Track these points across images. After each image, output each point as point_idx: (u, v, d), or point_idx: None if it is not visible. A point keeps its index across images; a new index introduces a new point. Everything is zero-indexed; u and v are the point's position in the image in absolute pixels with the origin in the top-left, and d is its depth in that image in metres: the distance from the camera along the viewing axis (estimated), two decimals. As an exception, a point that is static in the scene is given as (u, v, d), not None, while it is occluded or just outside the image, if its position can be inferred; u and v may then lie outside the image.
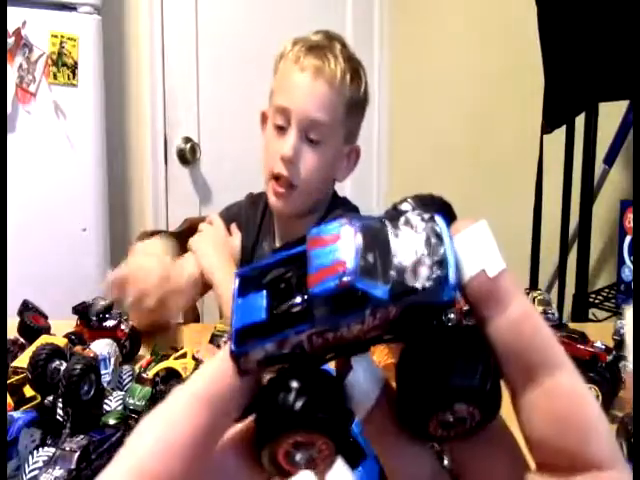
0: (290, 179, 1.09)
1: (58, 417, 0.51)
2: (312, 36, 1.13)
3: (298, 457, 0.21)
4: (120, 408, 0.56)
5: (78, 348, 0.72)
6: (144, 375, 0.58)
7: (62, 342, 0.74)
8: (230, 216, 1.25)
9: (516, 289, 0.20)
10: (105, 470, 0.19)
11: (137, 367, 0.62)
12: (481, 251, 0.20)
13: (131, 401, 0.54)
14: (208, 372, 0.21)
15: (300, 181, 1.09)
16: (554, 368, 0.20)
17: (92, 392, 0.55)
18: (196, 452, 0.20)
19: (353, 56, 1.14)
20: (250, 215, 1.26)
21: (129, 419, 0.54)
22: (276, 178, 1.10)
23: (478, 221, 0.21)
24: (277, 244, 1.22)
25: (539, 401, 0.20)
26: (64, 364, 0.54)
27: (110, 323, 0.89)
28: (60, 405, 0.51)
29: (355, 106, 1.13)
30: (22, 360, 0.72)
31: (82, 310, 0.88)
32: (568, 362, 0.20)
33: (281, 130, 1.09)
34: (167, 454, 0.19)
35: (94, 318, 0.88)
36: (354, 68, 1.12)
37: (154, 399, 0.53)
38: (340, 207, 1.21)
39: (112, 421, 0.55)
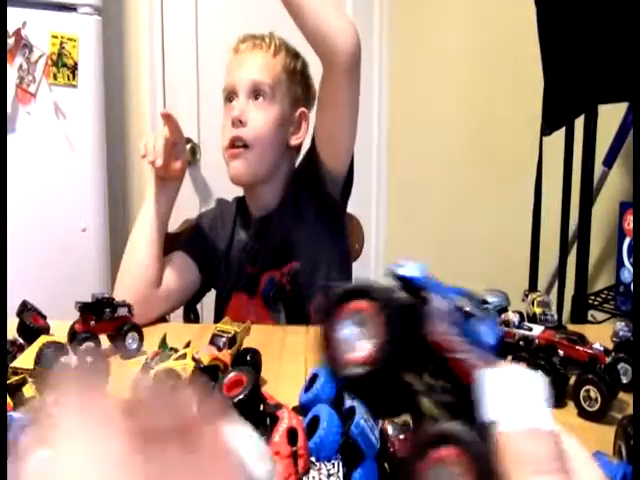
0: (243, 138, 1.13)
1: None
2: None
3: None
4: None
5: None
6: (150, 366, 0.59)
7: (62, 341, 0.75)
8: (202, 216, 1.31)
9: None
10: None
11: (144, 358, 0.63)
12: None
13: None
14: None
15: (253, 139, 1.13)
16: None
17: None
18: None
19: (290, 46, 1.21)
20: (225, 207, 1.29)
21: None
22: (231, 146, 1.14)
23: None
24: (254, 213, 1.23)
25: None
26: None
27: (122, 311, 0.90)
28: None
29: (295, 73, 1.18)
30: (22, 361, 0.72)
31: (91, 304, 0.88)
32: None
33: (230, 104, 1.16)
34: None
35: (107, 310, 0.88)
36: (291, 48, 1.20)
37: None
38: (303, 182, 1.19)
39: None
